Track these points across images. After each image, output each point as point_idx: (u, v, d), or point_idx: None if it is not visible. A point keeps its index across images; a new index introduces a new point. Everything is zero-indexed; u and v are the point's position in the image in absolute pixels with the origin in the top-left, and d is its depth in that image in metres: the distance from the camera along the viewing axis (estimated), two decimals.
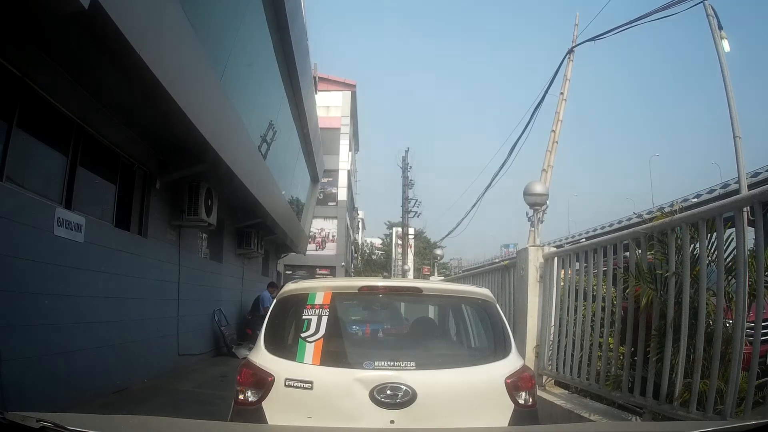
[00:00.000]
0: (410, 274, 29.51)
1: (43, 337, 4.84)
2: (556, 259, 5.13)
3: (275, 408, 2.52)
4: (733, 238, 3.03)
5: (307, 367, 2.60)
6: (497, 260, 32.27)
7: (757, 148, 64.34)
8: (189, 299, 8.73)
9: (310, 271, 28.95)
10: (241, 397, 2.62)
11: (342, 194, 33.87)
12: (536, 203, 8.87)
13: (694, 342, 3.12)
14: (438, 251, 30.37)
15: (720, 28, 11.52)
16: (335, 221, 33.06)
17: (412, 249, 34.67)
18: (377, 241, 53.24)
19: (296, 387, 2.52)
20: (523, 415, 2.63)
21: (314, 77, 20.02)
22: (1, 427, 1.44)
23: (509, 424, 2.60)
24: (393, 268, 37.34)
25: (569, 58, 13.16)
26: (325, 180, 27.84)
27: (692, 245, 3.37)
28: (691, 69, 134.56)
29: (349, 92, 35.66)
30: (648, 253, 3.76)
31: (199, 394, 6.58)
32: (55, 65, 4.85)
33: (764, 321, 3.24)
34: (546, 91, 13.25)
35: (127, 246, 6.68)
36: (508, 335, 2.93)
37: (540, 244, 6.13)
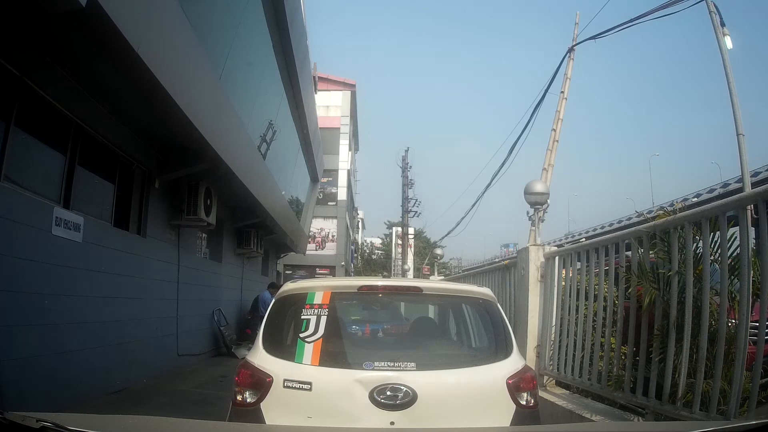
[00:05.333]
0: (410, 273, 29.48)
1: (42, 337, 4.82)
2: (557, 258, 5.11)
3: (274, 409, 2.50)
4: (736, 237, 3.00)
5: (306, 367, 2.57)
6: (497, 260, 32.25)
7: (757, 148, 64.29)
8: (188, 299, 8.71)
9: (310, 271, 28.92)
10: (239, 398, 2.59)
11: (342, 194, 33.85)
12: (537, 202, 8.84)
13: (697, 342, 3.10)
14: (438, 251, 30.30)
15: (722, 24, 11.47)
16: (335, 221, 33.04)
17: (412, 249, 34.63)
18: (377, 241, 53.22)
19: (295, 388, 2.49)
20: (524, 415, 2.60)
21: (314, 77, 20.00)
22: (1, 427, 1.43)
23: (510, 425, 2.57)
24: (393, 268, 37.32)
25: (570, 56, 13.13)
26: (325, 180, 27.83)
27: (694, 244, 3.35)
28: (692, 68, 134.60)
29: (349, 92, 35.63)
30: (650, 252, 3.74)
31: (198, 394, 6.56)
32: (54, 64, 4.83)
33: None
34: (546, 90, 13.25)
35: (125, 246, 6.65)
36: (510, 335, 2.91)
37: (541, 244, 6.10)
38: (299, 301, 2.85)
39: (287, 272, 25.46)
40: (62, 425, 1.45)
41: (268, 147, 10.85)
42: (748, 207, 2.95)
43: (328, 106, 32.47)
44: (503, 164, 15.78)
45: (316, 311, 2.75)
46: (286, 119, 12.60)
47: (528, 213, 9.57)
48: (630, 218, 30.01)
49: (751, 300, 2.89)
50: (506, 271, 6.29)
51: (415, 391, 2.45)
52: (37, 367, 4.69)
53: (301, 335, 2.69)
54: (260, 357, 2.67)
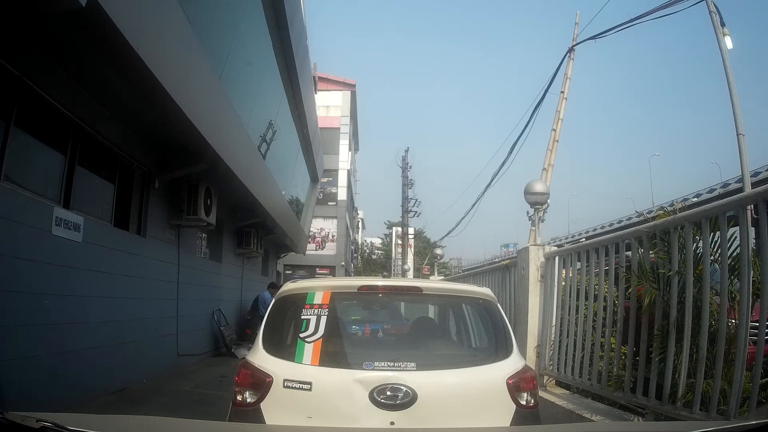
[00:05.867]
0: (410, 273, 29.48)
1: (42, 337, 4.82)
2: (557, 258, 5.11)
3: (274, 409, 2.50)
4: (736, 237, 3.01)
5: (306, 367, 2.57)
6: (497, 260, 32.26)
7: (757, 148, 64.45)
8: (188, 299, 8.70)
9: (310, 271, 28.92)
10: (239, 398, 2.59)
11: (342, 194, 33.85)
12: (537, 202, 8.84)
13: (697, 342, 3.10)
14: (438, 251, 30.28)
15: (722, 24, 11.48)
16: (335, 221, 33.03)
17: (412, 249, 34.64)
18: (377, 241, 53.22)
19: (295, 388, 2.49)
20: (524, 415, 2.60)
21: (314, 77, 20.00)
22: (1, 427, 1.43)
23: (510, 425, 2.57)
24: (393, 268, 37.32)
25: (570, 56, 13.12)
26: (325, 180, 27.82)
27: (694, 244, 3.35)
28: (692, 68, 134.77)
29: (349, 92, 35.63)
30: (650, 252, 3.74)
31: (198, 394, 6.56)
32: (54, 64, 4.83)
33: None
34: (546, 90, 13.24)
35: (125, 246, 6.65)
36: (510, 335, 2.90)
37: (541, 244, 6.10)
38: (299, 301, 2.85)
39: (287, 272, 25.45)
40: (62, 425, 1.45)
41: (268, 147, 10.85)
42: (748, 207, 2.95)
43: (328, 106, 32.47)
44: (503, 164, 15.81)
45: (316, 311, 2.75)
46: (286, 119, 12.59)
47: (528, 213, 9.55)
48: (630, 218, 30.02)
49: (751, 300, 2.89)
50: (506, 271, 6.29)
51: (415, 391, 2.45)
52: (37, 367, 4.68)
53: (301, 335, 2.69)
54: (260, 357, 2.67)
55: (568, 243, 9.63)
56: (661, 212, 4.28)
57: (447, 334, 3.82)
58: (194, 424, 2.43)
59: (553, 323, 5.01)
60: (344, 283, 3.81)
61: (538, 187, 8.87)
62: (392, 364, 2.55)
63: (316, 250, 30.77)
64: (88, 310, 5.62)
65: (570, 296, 4.70)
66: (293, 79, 11.91)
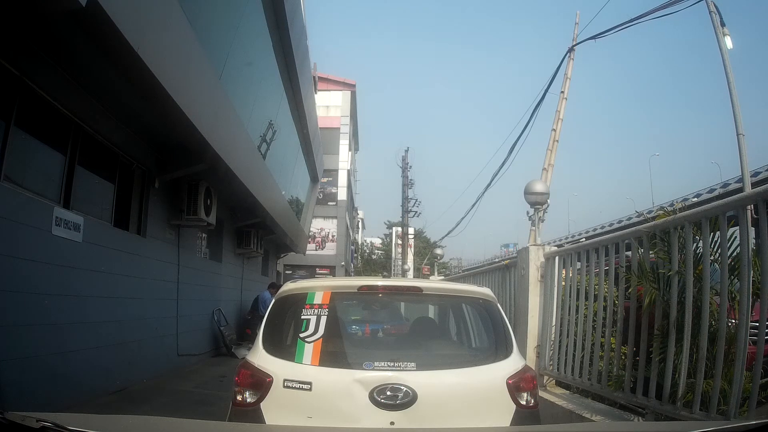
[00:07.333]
0: (410, 273, 29.48)
1: (42, 337, 4.82)
2: (557, 258, 5.11)
3: (274, 409, 2.50)
4: (736, 237, 3.01)
5: (306, 367, 2.57)
6: (497, 260, 32.29)
7: (757, 148, 64.58)
8: (188, 299, 8.70)
9: (310, 271, 28.93)
10: (239, 398, 2.59)
11: (342, 194, 33.85)
12: (537, 202, 8.84)
13: (697, 342, 3.10)
14: (438, 251, 30.32)
15: (722, 24, 11.48)
16: (335, 221, 33.04)
17: (412, 249, 34.65)
18: (377, 241, 53.22)
19: (295, 388, 2.49)
20: (524, 416, 2.60)
21: (314, 77, 20.01)
22: (1, 427, 1.43)
23: (510, 425, 2.57)
24: (393, 268, 37.32)
25: (570, 56, 13.13)
26: (325, 180, 27.82)
27: (694, 244, 3.35)
28: (692, 68, 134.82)
29: (349, 92, 35.63)
30: (650, 252, 3.74)
31: (198, 394, 6.56)
32: (54, 64, 4.83)
33: None
34: (546, 90, 13.25)
35: (125, 245, 6.65)
36: (510, 335, 2.90)
37: (541, 244, 6.10)
38: (299, 301, 2.85)
39: (287, 272, 25.46)
40: (62, 425, 1.45)
41: (268, 147, 10.85)
42: (748, 207, 2.95)
43: (328, 106, 32.47)
44: (503, 164, 15.88)
45: (316, 311, 2.75)
46: (286, 119, 12.59)
47: (528, 213, 9.56)
48: (630, 218, 30.00)
49: (751, 300, 2.89)
50: (506, 271, 6.29)
51: (415, 391, 2.45)
52: (37, 367, 4.68)
53: (301, 335, 2.69)
54: (260, 357, 2.67)
55: (568, 243, 9.64)
56: (661, 212, 4.28)
57: (447, 334, 3.81)
58: (194, 424, 2.44)
59: (553, 323, 5.01)
60: (344, 283, 3.80)
61: (538, 187, 8.88)
62: (392, 364, 2.55)
63: (316, 250, 30.77)
64: (88, 310, 5.62)
65: (570, 296, 4.70)
66: (293, 79, 11.91)
